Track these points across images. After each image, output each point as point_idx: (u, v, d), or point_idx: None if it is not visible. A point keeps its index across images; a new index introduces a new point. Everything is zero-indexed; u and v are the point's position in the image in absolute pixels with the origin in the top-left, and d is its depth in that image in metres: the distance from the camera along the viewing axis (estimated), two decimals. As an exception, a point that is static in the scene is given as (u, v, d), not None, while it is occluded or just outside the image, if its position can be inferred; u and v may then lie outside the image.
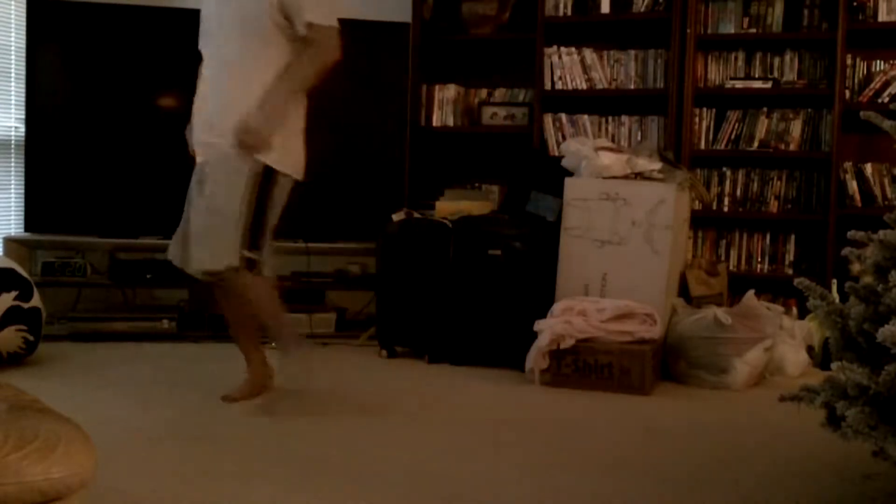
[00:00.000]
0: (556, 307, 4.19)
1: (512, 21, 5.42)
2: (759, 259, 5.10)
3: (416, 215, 4.77)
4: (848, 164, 4.87)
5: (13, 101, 5.32)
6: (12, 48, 5.30)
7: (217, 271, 3.40)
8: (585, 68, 5.27)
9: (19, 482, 1.64)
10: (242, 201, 3.34)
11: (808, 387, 2.52)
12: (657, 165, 4.48)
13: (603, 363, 4.01)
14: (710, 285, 4.70)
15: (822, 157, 4.90)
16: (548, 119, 5.34)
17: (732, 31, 5.08)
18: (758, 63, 5.10)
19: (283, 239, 5.27)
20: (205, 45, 3.55)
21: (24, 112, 5.17)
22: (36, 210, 5.12)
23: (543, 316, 4.18)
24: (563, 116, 5.34)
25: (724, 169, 5.13)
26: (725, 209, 5.13)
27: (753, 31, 5.05)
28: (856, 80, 4.90)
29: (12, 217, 5.35)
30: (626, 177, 4.42)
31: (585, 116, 5.32)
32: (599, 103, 5.33)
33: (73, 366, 4.23)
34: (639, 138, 5.22)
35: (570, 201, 4.43)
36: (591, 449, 3.14)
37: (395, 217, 4.76)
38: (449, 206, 4.84)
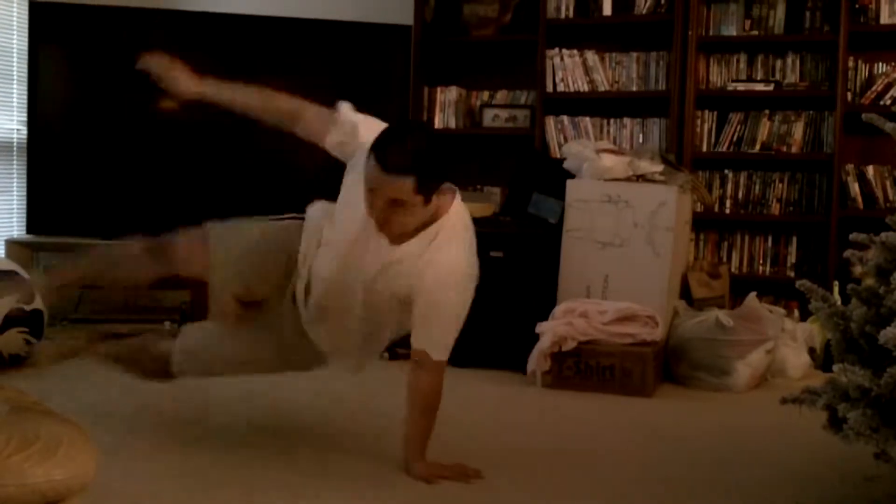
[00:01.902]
0: (558, 309, 4.19)
1: (514, 23, 5.42)
2: (761, 261, 5.09)
3: (418, 217, 4.76)
4: (850, 167, 4.87)
5: (15, 104, 5.33)
6: (14, 50, 5.31)
7: None
8: (587, 70, 5.28)
9: (21, 484, 1.64)
10: None
11: (810, 389, 2.52)
12: (659, 167, 4.48)
13: (605, 365, 4.01)
14: (711, 287, 4.70)
15: (824, 160, 4.90)
16: (549, 121, 5.34)
17: (734, 33, 5.08)
18: (759, 65, 5.10)
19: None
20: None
21: (25, 114, 5.18)
22: (37, 212, 5.13)
23: (545, 318, 4.17)
24: (565, 118, 5.34)
25: (726, 171, 5.13)
26: (727, 211, 5.13)
27: (755, 33, 5.05)
28: (858, 83, 4.89)
29: (14, 219, 5.36)
30: (627, 179, 4.42)
31: (587, 118, 5.32)
32: (601, 105, 5.33)
33: (74, 368, 4.22)
34: (640, 140, 5.22)
35: (571, 203, 4.43)
36: (592, 451, 3.14)
37: (397, 219, 4.75)
38: (451, 209, 4.83)
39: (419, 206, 2.60)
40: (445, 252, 2.72)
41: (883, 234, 2.42)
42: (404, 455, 2.79)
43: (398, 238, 2.69)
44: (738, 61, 5.12)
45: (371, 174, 2.58)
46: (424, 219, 2.68)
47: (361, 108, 5.42)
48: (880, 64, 4.89)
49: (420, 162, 2.55)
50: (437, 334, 2.77)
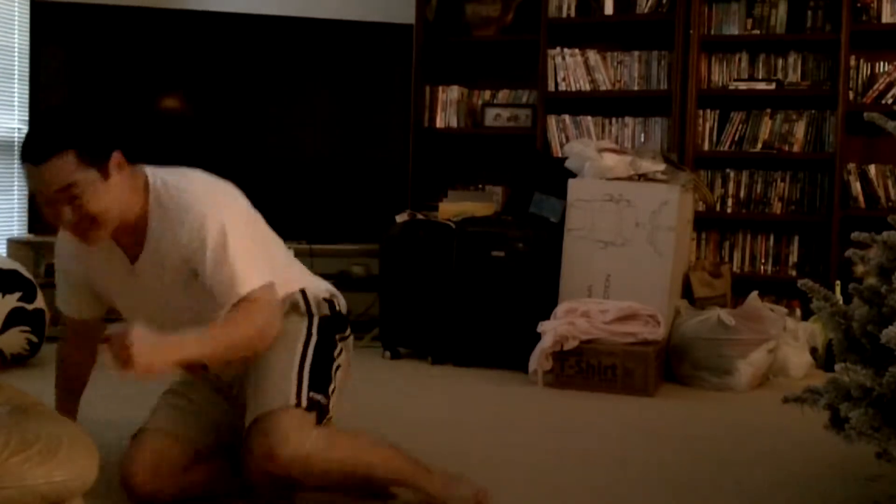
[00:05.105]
0: (560, 308, 4.19)
1: (515, 22, 5.42)
2: (763, 260, 5.09)
3: (420, 217, 4.77)
4: (851, 166, 4.86)
5: (16, 103, 5.32)
6: (15, 49, 5.30)
7: None
8: (589, 69, 5.27)
9: (21, 486, 1.64)
10: None
11: (812, 388, 2.51)
12: (661, 167, 4.48)
13: (606, 364, 4.01)
14: (713, 287, 4.69)
15: (826, 159, 4.90)
16: (551, 120, 5.34)
17: (736, 32, 5.07)
18: (761, 64, 5.09)
19: (287, 241, 5.31)
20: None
21: (27, 113, 5.18)
22: (39, 212, 5.12)
23: (547, 317, 4.17)
24: (567, 118, 5.33)
25: (728, 170, 5.13)
26: (729, 210, 5.12)
27: (757, 32, 5.04)
28: (859, 82, 4.89)
29: (15, 219, 5.35)
30: (629, 178, 4.42)
31: (589, 118, 5.32)
32: (603, 105, 5.33)
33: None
34: (642, 140, 5.22)
35: (573, 202, 4.42)
36: (594, 450, 3.14)
37: (399, 218, 4.76)
38: (452, 208, 4.84)
39: (99, 182, 2.24)
40: (175, 214, 2.37)
41: (885, 234, 2.41)
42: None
43: (130, 248, 2.41)
44: (739, 60, 5.12)
45: (31, 184, 2.31)
46: (122, 199, 2.32)
47: (364, 107, 5.45)
48: (882, 63, 4.88)
49: (61, 131, 2.25)
50: (238, 267, 2.33)
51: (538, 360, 4.07)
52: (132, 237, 2.39)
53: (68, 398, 2.72)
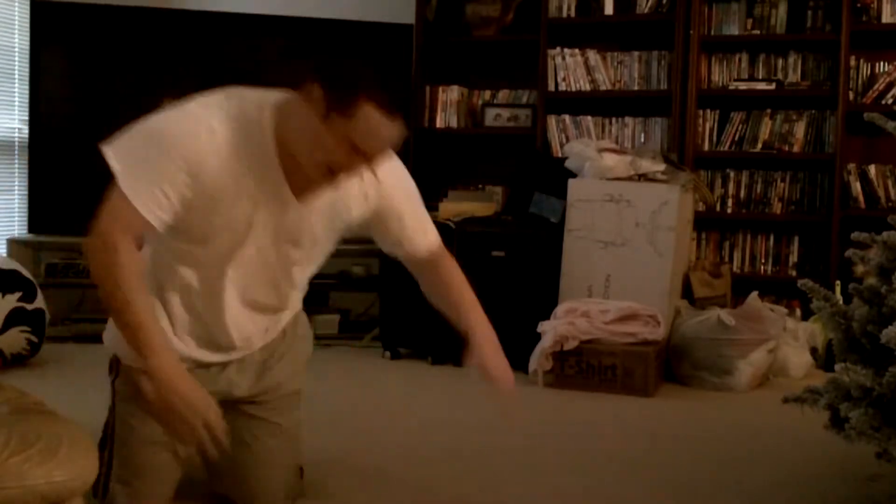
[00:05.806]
0: (560, 308, 4.19)
1: (515, 22, 5.42)
2: (763, 260, 5.09)
3: (420, 217, 4.76)
4: (852, 166, 4.86)
5: (17, 103, 5.32)
6: (16, 50, 5.31)
7: None
8: (589, 69, 5.27)
9: (21, 485, 1.64)
10: None
11: (812, 388, 2.52)
12: (661, 167, 4.48)
13: (606, 364, 4.01)
14: (713, 287, 4.69)
15: (826, 159, 4.90)
16: (551, 120, 5.34)
17: (736, 32, 5.07)
18: (761, 64, 5.09)
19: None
20: None
21: (27, 113, 5.18)
22: (39, 211, 5.12)
23: (547, 317, 4.17)
24: (567, 118, 5.33)
25: (728, 170, 5.13)
26: (729, 210, 5.12)
27: (757, 32, 5.04)
28: (860, 82, 4.89)
29: (16, 218, 5.36)
30: (629, 178, 4.42)
31: (589, 118, 5.32)
32: (603, 105, 5.33)
33: (76, 367, 4.23)
34: (642, 140, 5.22)
35: (573, 203, 4.43)
36: (594, 450, 3.14)
37: (399, 218, 4.76)
38: (452, 208, 4.84)
39: None
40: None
41: (885, 234, 2.42)
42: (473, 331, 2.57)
43: (300, 188, 2.35)
44: (739, 60, 5.12)
45: (371, 135, 2.21)
46: None
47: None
48: (882, 63, 4.88)
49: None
50: (429, 223, 2.75)
51: (538, 360, 4.07)
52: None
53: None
